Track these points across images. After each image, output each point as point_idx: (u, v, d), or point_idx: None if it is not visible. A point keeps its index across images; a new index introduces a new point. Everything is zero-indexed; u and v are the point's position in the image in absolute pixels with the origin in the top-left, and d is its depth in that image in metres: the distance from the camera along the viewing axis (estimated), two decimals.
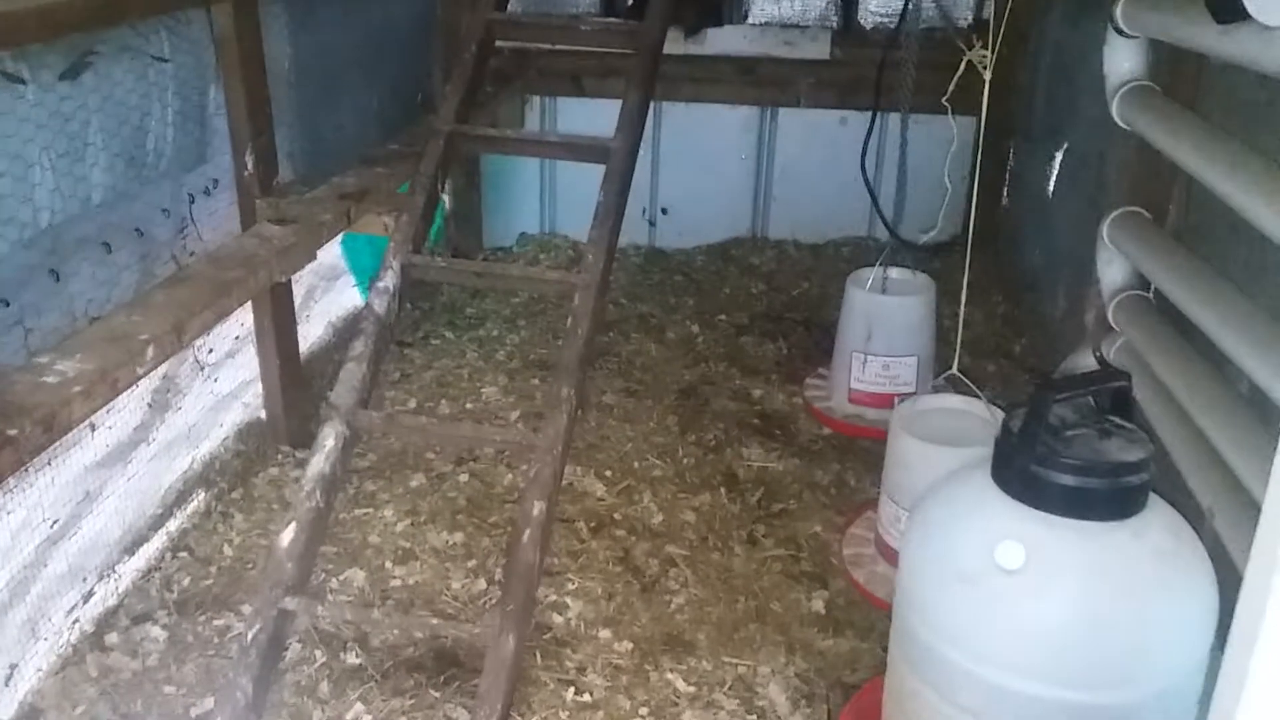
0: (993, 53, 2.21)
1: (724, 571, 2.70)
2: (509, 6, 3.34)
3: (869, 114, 4.44)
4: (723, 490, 3.03)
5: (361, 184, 2.89)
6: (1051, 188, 3.63)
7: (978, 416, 2.36)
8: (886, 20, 4.65)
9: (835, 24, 4.63)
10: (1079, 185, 3.26)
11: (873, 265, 3.13)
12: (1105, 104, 2.86)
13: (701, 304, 4.18)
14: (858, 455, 3.20)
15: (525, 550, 2.18)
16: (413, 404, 3.41)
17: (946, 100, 2.48)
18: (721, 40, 4.34)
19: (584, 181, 3.51)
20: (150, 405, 2.43)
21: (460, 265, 2.97)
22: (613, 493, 3.01)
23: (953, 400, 2.43)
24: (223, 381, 2.79)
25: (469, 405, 3.41)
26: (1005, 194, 4.42)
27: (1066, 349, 3.26)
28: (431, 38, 4.10)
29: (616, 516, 2.91)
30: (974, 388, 2.37)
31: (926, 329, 3.08)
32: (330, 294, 3.49)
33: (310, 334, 3.35)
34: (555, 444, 2.33)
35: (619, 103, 4.50)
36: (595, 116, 4.50)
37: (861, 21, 4.53)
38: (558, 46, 4.11)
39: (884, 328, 3.00)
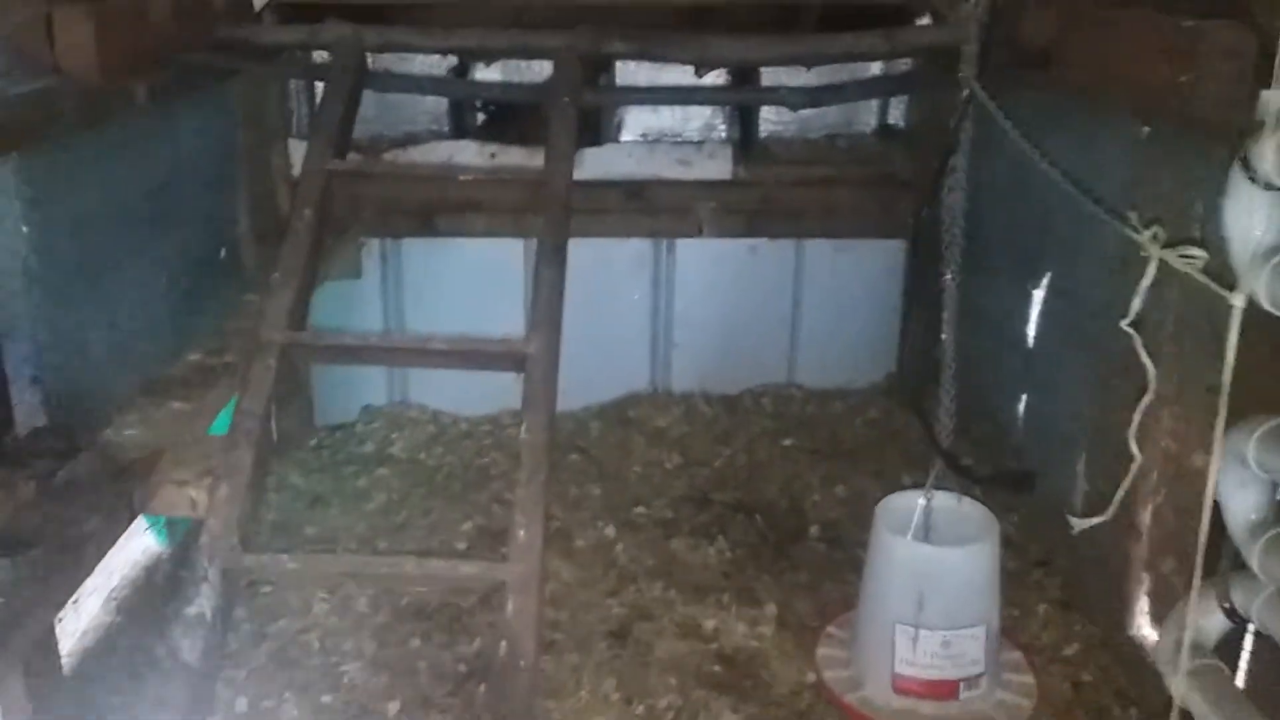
0: None
1: None
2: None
3: (783, 241, 3.81)
4: None
5: (148, 438, 1.88)
6: (1033, 334, 3.01)
7: None
8: (780, 129, 4.03)
9: (726, 136, 3.96)
10: (1085, 339, 2.64)
11: (906, 489, 2.30)
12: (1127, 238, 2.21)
13: (610, 493, 3.32)
14: None
15: None
16: (243, 705, 2.40)
17: None
18: (603, 161, 3.55)
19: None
20: None
21: (324, 564, 1.99)
22: None
23: None
24: None
25: (325, 699, 2.42)
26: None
27: (1112, 561, 2.47)
28: (233, 175, 3.15)
29: None
30: None
31: (995, 586, 2.24)
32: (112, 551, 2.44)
33: (77, 624, 2.31)
34: None
35: (482, 243, 3.73)
36: (453, 263, 3.65)
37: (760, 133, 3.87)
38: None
39: (942, 591, 2.12)
